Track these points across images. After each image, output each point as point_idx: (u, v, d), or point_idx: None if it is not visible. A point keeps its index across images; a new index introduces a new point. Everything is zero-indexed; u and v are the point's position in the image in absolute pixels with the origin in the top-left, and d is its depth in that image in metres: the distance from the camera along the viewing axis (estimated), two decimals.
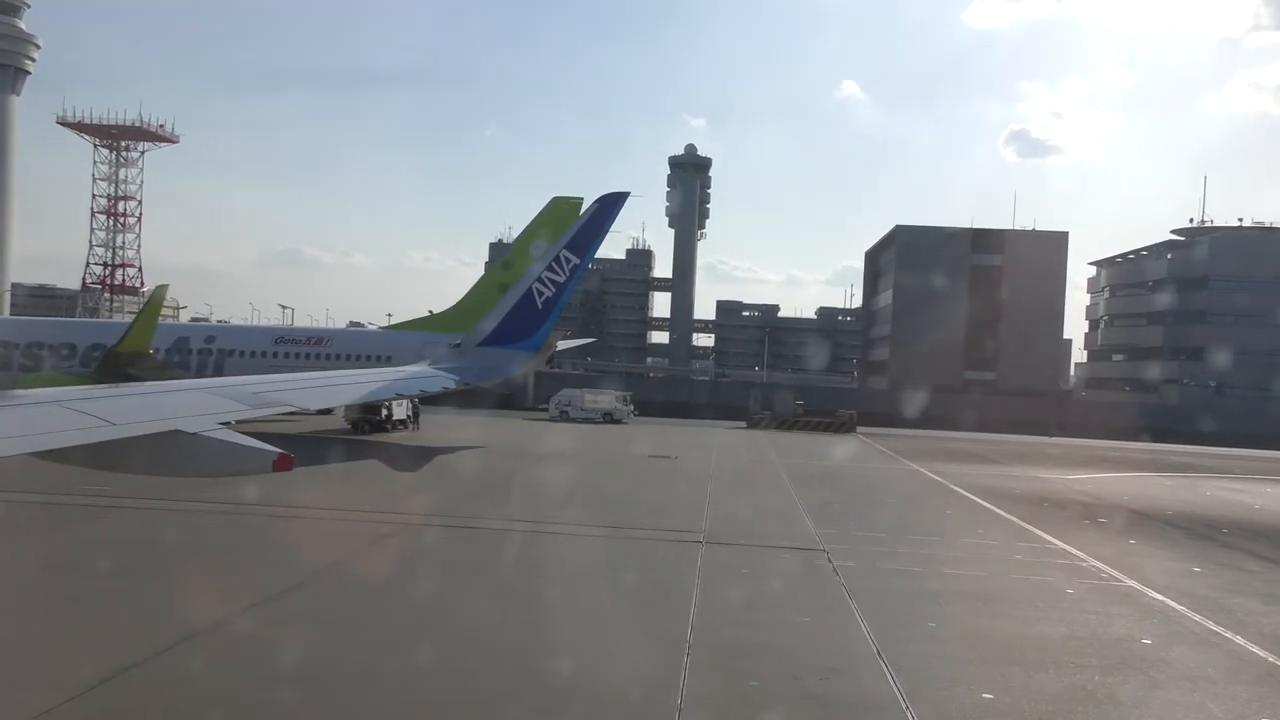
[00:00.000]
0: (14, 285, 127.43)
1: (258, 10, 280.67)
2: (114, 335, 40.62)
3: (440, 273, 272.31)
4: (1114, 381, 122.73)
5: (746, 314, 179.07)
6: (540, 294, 30.91)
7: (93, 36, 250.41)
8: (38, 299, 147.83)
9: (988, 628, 16.21)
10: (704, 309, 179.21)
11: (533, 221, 45.04)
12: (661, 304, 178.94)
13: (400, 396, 26.32)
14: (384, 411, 44.03)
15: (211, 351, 44.73)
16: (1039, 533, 25.83)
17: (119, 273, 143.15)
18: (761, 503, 29.77)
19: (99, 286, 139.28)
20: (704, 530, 23.40)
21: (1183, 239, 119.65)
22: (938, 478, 38.73)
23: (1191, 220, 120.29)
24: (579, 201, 45.34)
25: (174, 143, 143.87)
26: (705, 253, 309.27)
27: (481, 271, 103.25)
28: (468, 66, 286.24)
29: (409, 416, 47.45)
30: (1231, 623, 16.73)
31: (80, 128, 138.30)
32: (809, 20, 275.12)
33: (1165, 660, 14.61)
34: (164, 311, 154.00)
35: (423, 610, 15.64)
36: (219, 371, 42.72)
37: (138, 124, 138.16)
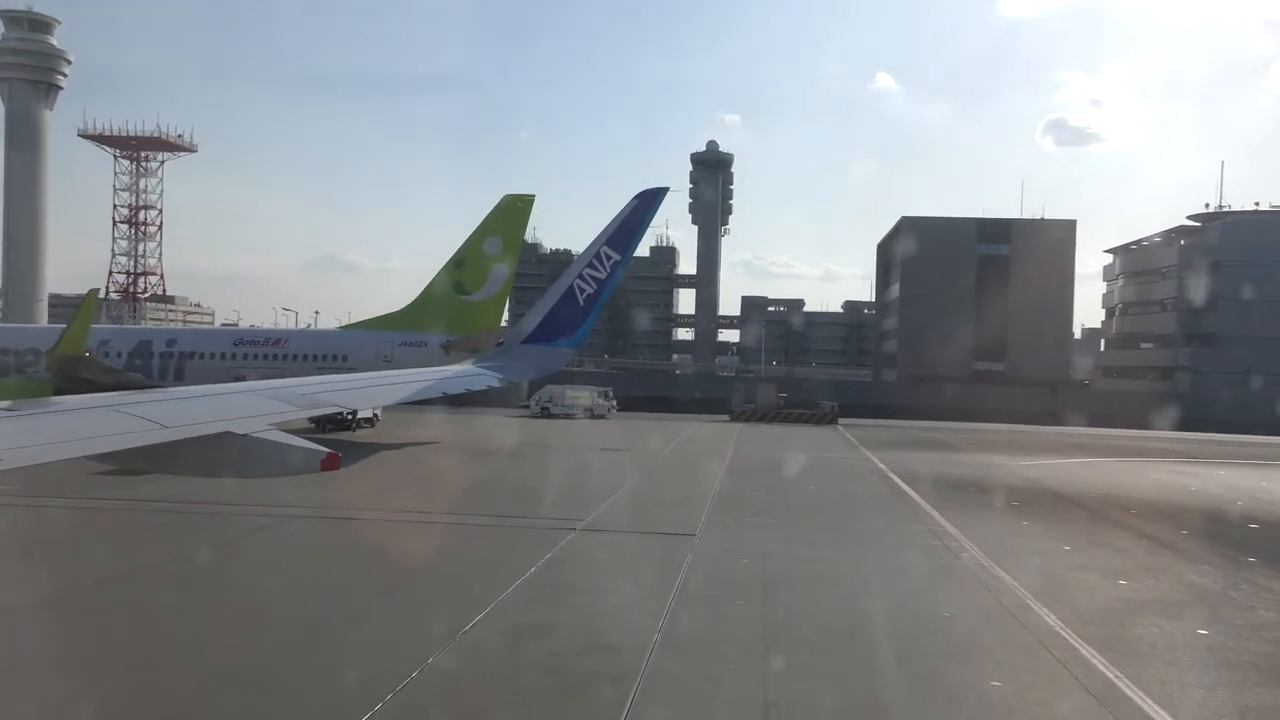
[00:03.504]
0: (53, 296, 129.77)
1: (293, 19, 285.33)
2: None
3: None
4: (1130, 370, 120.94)
5: (771, 309, 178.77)
6: (582, 291, 31.54)
7: (124, 47, 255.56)
8: (76, 309, 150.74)
9: (799, 608, 16.30)
10: (736, 305, 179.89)
11: (485, 219, 45.44)
12: (688, 301, 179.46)
13: (446, 395, 26.99)
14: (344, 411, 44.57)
15: (173, 355, 45.69)
16: (936, 516, 25.76)
17: (141, 281, 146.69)
18: (674, 492, 29.90)
19: (121, 295, 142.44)
20: (589, 519, 23.56)
21: (1197, 225, 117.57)
22: (882, 465, 38.61)
23: (1208, 205, 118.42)
24: (531, 198, 45.97)
25: (193, 152, 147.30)
26: (741, 249, 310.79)
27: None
28: (501, 68, 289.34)
29: (374, 415, 47.90)
30: (1052, 599, 16.68)
31: (100, 139, 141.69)
32: (841, 13, 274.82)
33: (948, 634, 14.72)
34: (198, 318, 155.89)
35: (212, 602, 15.85)
36: (180, 374, 43.66)
37: (156, 135, 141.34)
